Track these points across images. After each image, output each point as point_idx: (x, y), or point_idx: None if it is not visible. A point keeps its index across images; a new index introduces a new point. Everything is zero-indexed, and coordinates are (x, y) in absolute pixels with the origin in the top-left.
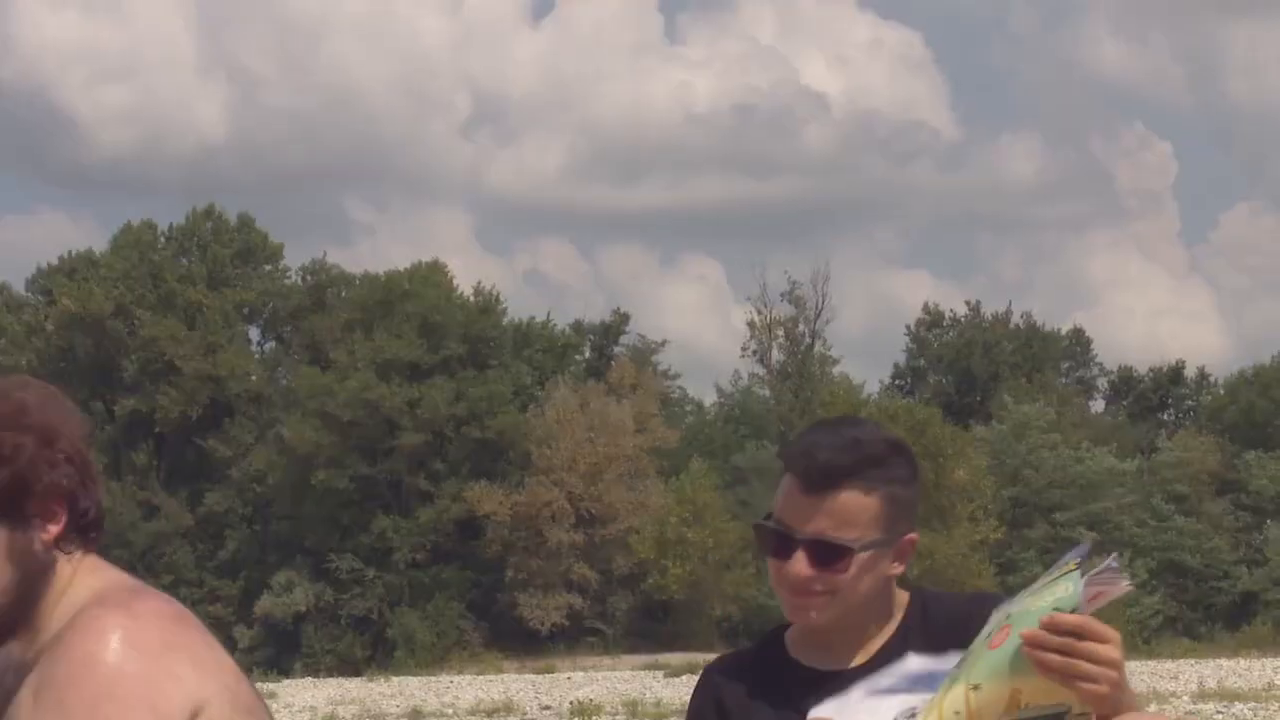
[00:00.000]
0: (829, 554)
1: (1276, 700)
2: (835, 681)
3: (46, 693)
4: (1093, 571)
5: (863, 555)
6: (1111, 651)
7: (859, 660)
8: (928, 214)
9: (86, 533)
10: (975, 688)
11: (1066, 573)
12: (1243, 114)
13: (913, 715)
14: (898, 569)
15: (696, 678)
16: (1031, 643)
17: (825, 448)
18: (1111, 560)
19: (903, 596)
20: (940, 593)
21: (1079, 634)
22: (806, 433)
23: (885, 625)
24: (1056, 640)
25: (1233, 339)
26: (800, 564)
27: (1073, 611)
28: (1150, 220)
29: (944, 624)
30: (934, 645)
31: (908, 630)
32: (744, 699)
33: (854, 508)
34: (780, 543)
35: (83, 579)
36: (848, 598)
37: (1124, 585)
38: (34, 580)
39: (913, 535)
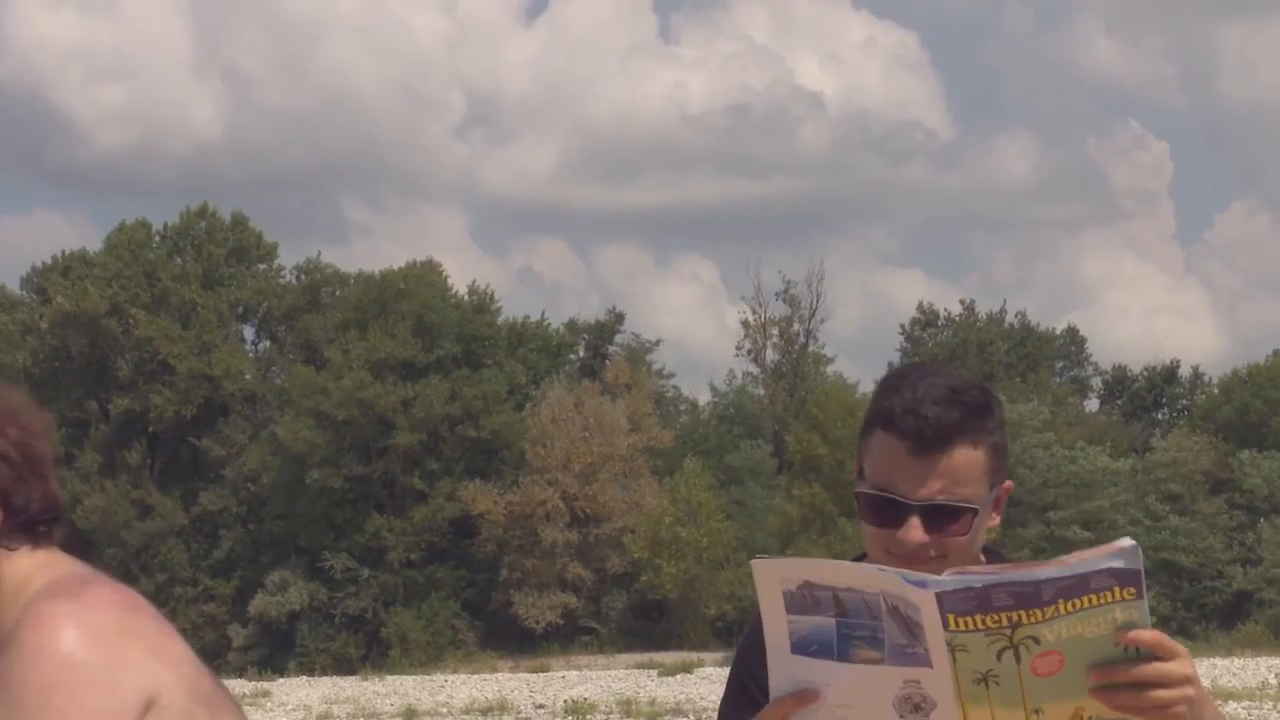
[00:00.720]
0: (947, 517)
1: (1270, 699)
2: None
3: (1, 690)
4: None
5: (983, 513)
6: (1183, 668)
7: None
8: (922, 213)
9: (32, 527)
10: (1037, 712)
11: (1124, 600)
12: (1237, 114)
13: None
14: (995, 520)
15: (690, 676)
16: (1104, 683)
17: (931, 403)
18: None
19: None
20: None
21: (1151, 655)
22: (899, 387)
23: None
24: (1129, 678)
25: (1227, 338)
26: (915, 530)
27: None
28: (1145, 220)
29: None
30: None
31: None
32: None
33: (967, 465)
34: (890, 510)
35: (36, 573)
36: (958, 559)
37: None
38: None
39: (1009, 483)
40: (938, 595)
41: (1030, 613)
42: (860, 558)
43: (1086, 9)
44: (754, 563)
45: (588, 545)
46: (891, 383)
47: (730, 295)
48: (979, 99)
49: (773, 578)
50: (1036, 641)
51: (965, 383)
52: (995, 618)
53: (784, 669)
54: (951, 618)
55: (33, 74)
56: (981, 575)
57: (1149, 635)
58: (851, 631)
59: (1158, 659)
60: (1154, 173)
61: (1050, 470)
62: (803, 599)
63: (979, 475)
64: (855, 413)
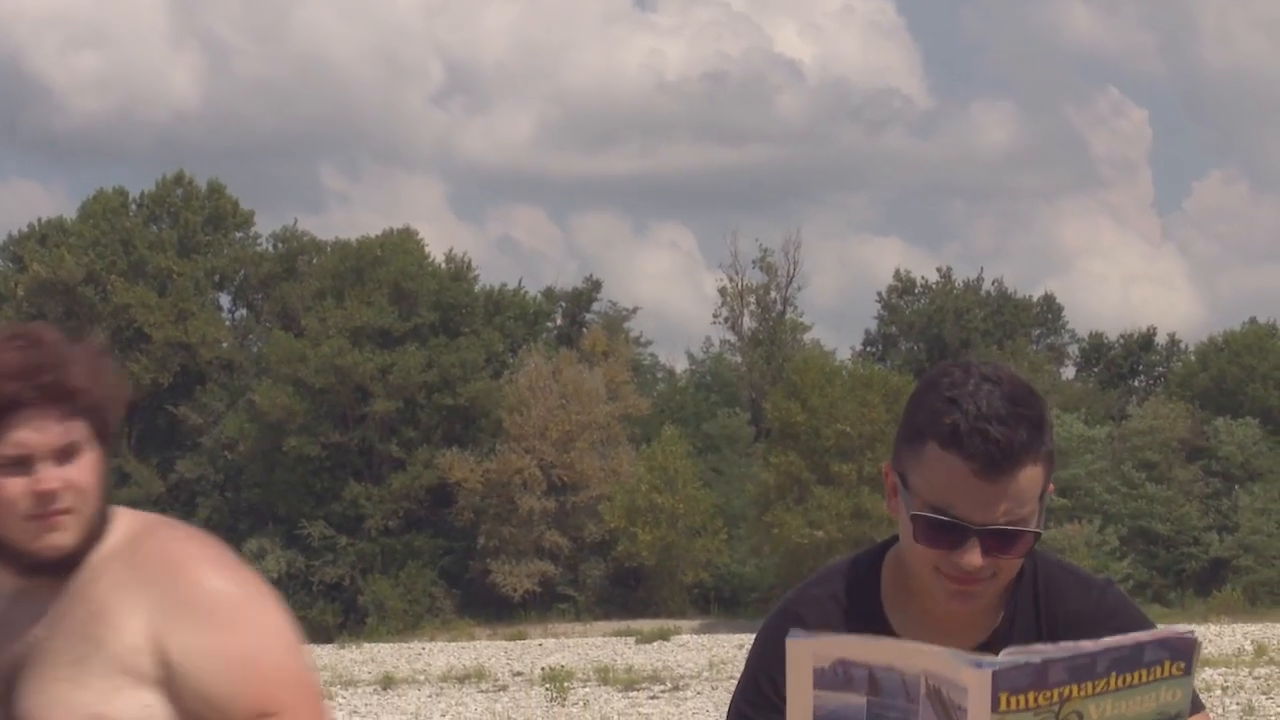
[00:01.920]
0: (1009, 541)
1: (1247, 666)
2: None
3: (188, 615)
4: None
5: (1035, 534)
6: None
7: (972, 642)
8: (900, 182)
9: None
10: None
11: (1172, 678)
12: (1216, 82)
13: None
14: (1039, 530)
15: (667, 644)
16: None
17: (998, 422)
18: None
19: None
20: (1056, 566)
21: None
22: (956, 399)
23: (992, 604)
24: None
25: (1204, 306)
26: (975, 554)
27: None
28: (1123, 188)
29: (1062, 619)
30: (1044, 634)
31: (1014, 618)
32: None
33: (1030, 484)
34: (949, 532)
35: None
36: (1007, 576)
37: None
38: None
39: (1050, 485)
40: (994, 674)
41: (1082, 685)
42: (882, 550)
43: None
44: (789, 641)
45: (565, 513)
46: (944, 391)
47: (707, 263)
48: (957, 67)
49: (805, 653)
50: (1080, 717)
51: (1021, 390)
52: (1048, 694)
53: None
54: (1004, 696)
55: (9, 41)
56: (1041, 652)
57: None
58: (882, 712)
59: None
60: (1133, 141)
61: None
62: (834, 675)
63: (1037, 492)
64: (832, 380)
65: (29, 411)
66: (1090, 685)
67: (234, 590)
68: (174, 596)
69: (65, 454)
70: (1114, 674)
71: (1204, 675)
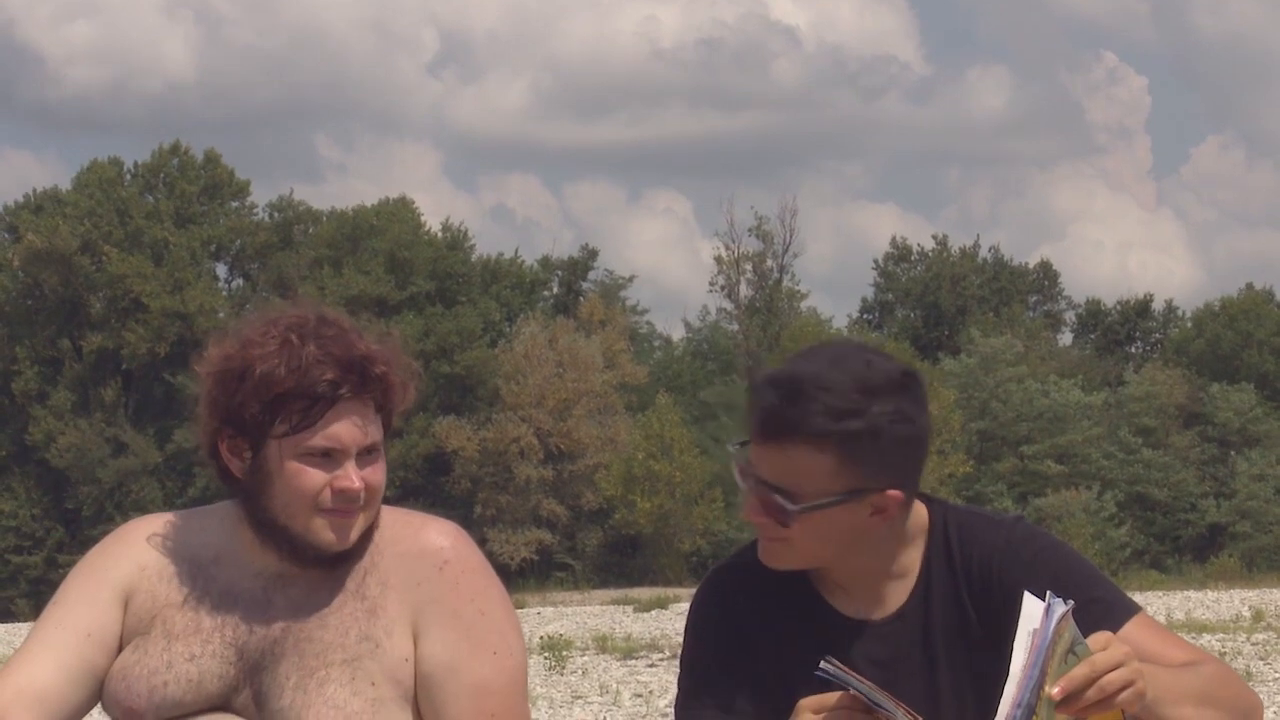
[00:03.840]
0: (771, 505)
1: (1244, 632)
2: (867, 633)
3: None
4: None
5: (811, 515)
6: (1124, 675)
7: (883, 611)
8: (896, 148)
9: None
10: None
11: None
12: (1210, 47)
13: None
14: (879, 523)
15: (665, 612)
16: (1066, 693)
17: (775, 394)
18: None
19: (921, 519)
20: (964, 513)
21: (1092, 681)
22: (779, 365)
23: (904, 568)
24: (1081, 680)
25: (1201, 272)
26: (750, 506)
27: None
28: (1121, 155)
29: (976, 560)
30: (962, 597)
31: (930, 577)
32: (774, 636)
33: (803, 464)
34: (741, 474)
35: None
36: (804, 552)
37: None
38: None
39: (894, 492)
40: None
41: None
42: None
43: None
44: (826, 677)
45: (562, 482)
46: (786, 360)
47: (703, 231)
48: (954, 33)
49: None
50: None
51: (841, 381)
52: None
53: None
54: None
55: (2, 11)
56: (1018, 714)
57: (1081, 676)
58: None
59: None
60: (1132, 108)
61: (1023, 404)
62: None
63: (818, 475)
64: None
65: (346, 405)
66: (1043, 694)
67: (494, 610)
68: (437, 606)
69: (369, 452)
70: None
71: (1202, 641)
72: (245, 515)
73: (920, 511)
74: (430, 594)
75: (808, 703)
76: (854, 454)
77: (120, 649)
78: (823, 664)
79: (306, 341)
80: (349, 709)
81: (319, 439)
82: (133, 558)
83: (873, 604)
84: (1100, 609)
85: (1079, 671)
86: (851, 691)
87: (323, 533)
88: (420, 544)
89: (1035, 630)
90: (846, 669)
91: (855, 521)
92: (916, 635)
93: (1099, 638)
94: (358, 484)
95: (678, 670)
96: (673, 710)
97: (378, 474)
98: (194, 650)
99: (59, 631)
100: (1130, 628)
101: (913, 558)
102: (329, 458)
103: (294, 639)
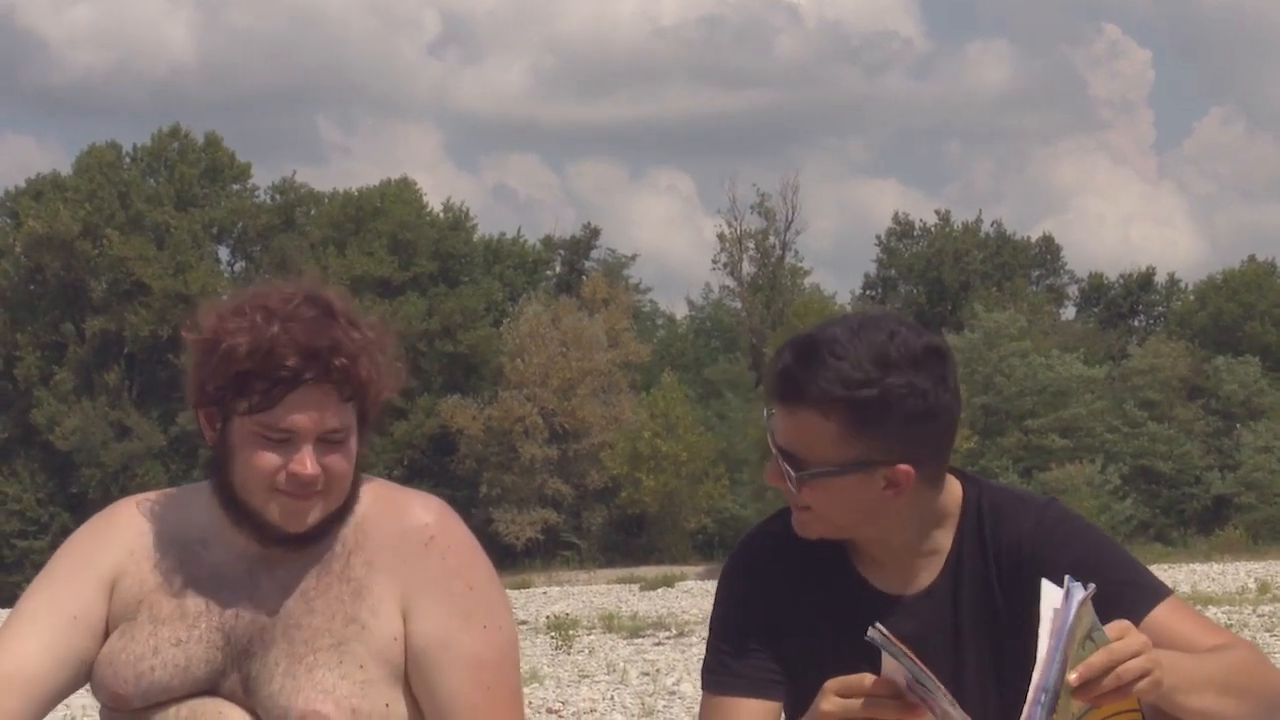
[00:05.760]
0: (784, 471)
1: (1250, 604)
2: (899, 609)
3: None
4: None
5: (818, 481)
6: (1142, 664)
7: (914, 588)
8: (898, 124)
9: None
10: None
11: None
12: (1212, 19)
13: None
14: (893, 497)
15: (671, 590)
16: (1084, 680)
17: (790, 356)
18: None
19: (955, 497)
20: (998, 492)
21: (1109, 669)
22: (802, 330)
23: (935, 543)
24: (1098, 667)
25: (1204, 244)
26: (772, 471)
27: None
28: (1123, 128)
29: (1007, 543)
30: (991, 577)
31: (961, 556)
32: (804, 605)
33: (811, 430)
34: (769, 441)
35: None
36: (827, 521)
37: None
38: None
39: (905, 466)
40: None
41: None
42: None
43: None
44: (884, 652)
45: (567, 461)
46: (810, 329)
47: (706, 208)
48: (955, 7)
49: (894, 662)
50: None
51: (858, 351)
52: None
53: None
54: None
55: None
56: (1043, 698)
57: (1099, 663)
58: None
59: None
60: (1134, 82)
61: (1027, 379)
62: (912, 684)
63: (827, 442)
64: None
65: (307, 390)
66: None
67: (482, 584)
68: (426, 582)
69: (330, 438)
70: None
71: (1208, 614)
72: (213, 488)
73: (954, 489)
74: (417, 571)
75: (833, 685)
76: (861, 424)
77: (107, 633)
78: (871, 630)
79: (273, 323)
80: (338, 693)
81: (276, 421)
82: (121, 542)
83: (904, 579)
84: (1132, 592)
85: (1097, 659)
86: (883, 673)
87: (276, 515)
88: (405, 522)
89: (1057, 611)
90: (896, 640)
91: (867, 494)
92: (945, 613)
93: (1117, 625)
94: (309, 470)
95: (707, 634)
96: (699, 674)
97: (341, 461)
98: (180, 635)
99: (46, 614)
100: (1161, 611)
101: (945, 536)
102: (288, 441)
103: (282, 624)
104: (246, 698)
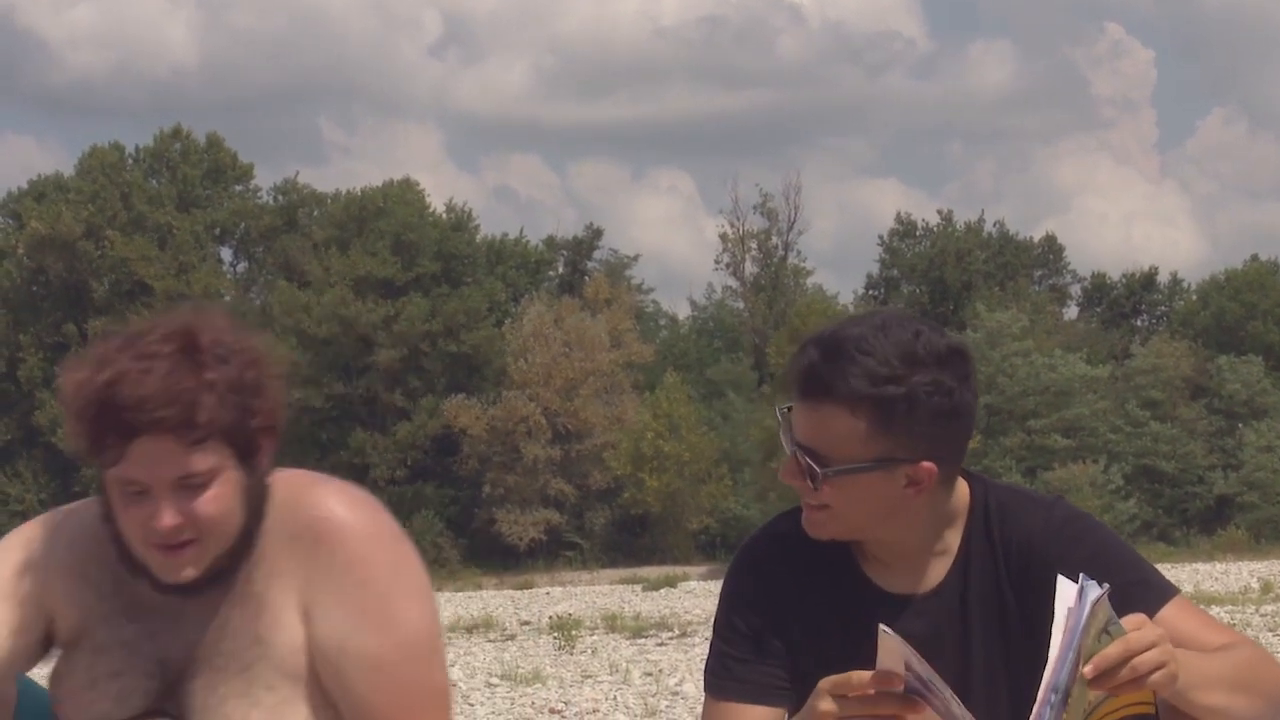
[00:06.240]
0: (806, 469)
1: (1253, 603)
2: (907, 610)
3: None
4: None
5: (842, 479)
6: (1157, 656)
7: (921, 588)
8: (900, 124)
9: None
10: None
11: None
12: (1214, 18)
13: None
14: (914, 495)
15: (674, 590)
16: (1098, 672)
17: (816, 353)
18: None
19: (963, 497)
20: (1006, 491)
21: (1125, 660)
22: (825, 326)
23: (944, 543)
24: (1113, 658)
25: (1206, 244)
26: (788, 469)
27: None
28: (1126, 128)
29: (1015, 542)
30: (1001, 576)
31: (969, 556)
32: (809, 606)
33: (836, 427)
34: (784, 438)
35: None
36: (843, 520)
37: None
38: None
39: (928, 464)
40: None
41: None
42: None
43: None
44: (884, 635)
45: (570, 461)
46: (834, 323)
47: (708, 208)
48: (957, 7)
49: (898, 651)
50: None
51: (886, 349)
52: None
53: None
54: None
55: None
56: (1053, 698)
57: (1114, 654)
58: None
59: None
60: (1137, 81)
61: (1030, 379)
62: (916, 680)
63: (853, 440)
64: None
65: (146, 442)
66: (1070, 691)
67: (379, 578)
68: (319, 583)
69: (187, 484)
70: (1080, 652)
71: (1211, 613)
72: (111, 541)
73: (962, 489)
74: (311, 572)
75: (827, 684)
76: (888, 421)
77: (43, 652)
78: (882, 627)
79: (105, 372)
80: None
81: (125, 475)
82: (56, 564)
83: (912, 580)
84: (1140, 591)
85: (1112, 650)
86: (879, 666)
87: (157, 568)
88: (300, 522)
89: (1070, 610)
90: (905, 641)
91: (890, 492)
92: (953, 614)
93: (1133, 619)
94: (164, 523)
95: (711, 635)
96: (701, 675)
97: (209, 504)
98: (117, 666)
99: None
100: (1169, 610)
101: (953, 535)
102: (144, 493)
103: (204, 652)
104: None
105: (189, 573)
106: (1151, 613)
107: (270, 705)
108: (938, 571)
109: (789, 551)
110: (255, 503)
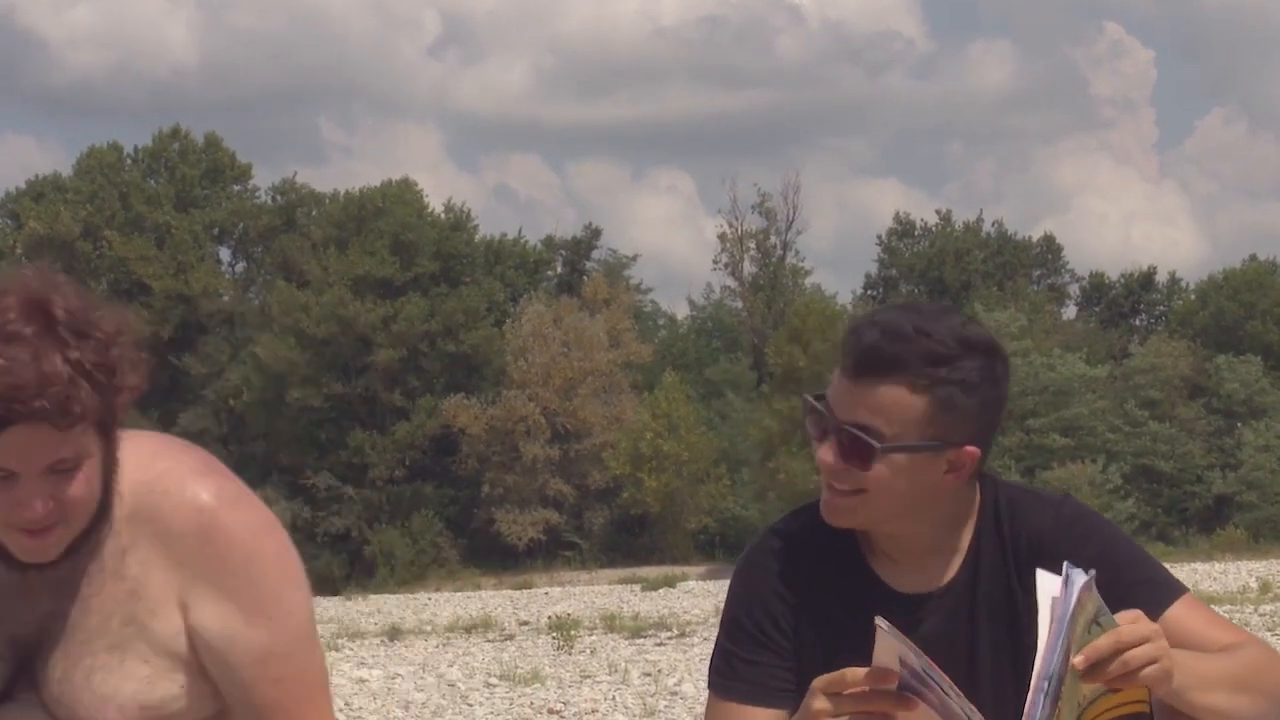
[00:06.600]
0: (856, 447)
1: (1251, 603)
2: (917, 608)
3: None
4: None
5: (896, 457)
6: (1150, 650)
7: (930, 586)
8: (899, 124)
9: None
10: None
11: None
12: (1213, 18)
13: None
14: (951, 481)
15: (673, 590)
16: (1090, 663)
17: (877, 331)
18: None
19: (974, 495)
20: (1016, 490)
21: (1116, 653)
22: (875, 310)
23: (955, 541)
24: (1106, 648)
25: (1205, 244)
26: (828, 451)
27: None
28: (1125, 128)
29: (1025, 539)
30: (1010, 575)
31: (979, 554)
32: (818, 605)
33: (893, 403)
34: (818, 424)
35: None
36: (879, 501)
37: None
38: None
39: (972, 448)
40: None
41: (1070, 669)
42: None
43: None
44: (880, 630)
45: (569, 461)
46: (881, 306)
47: (707, 208)
48: (957, 7)
49: (894, 647)
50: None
51: (944, 330)
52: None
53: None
54: None
55: None
56: (1036, 710)
57: (1106, 645)
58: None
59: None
60: (1137, 81)
61: (1028, 378)
62: (911, 676)
63: (909, 419)
64: (834, 324)
65: (17, 431)
66: (1069, 665)
67: (262, 569)
68: (200, 575)
69: (59, 469)
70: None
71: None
72: None
73: (973, 487)
74: (192, 564)
75: (820, 683)
76: (946, 403)
77: None
78: (878, 620)
79: None
80: (120, 697)
81: None
82: None
83: (921, 578)
84: (1147, 589)
85: (1102, 642)
86: (874, 661)
87: (19, 549)
88: (177, 510)
89: (1056, 600)
90: (902, 635)
91: (931, 476)
92: (962, 613)
93: (1128, 614)
94: (35, 512)
95: (717, 631)
96: (701, 675)
97: (77, 487)
98: None
99: None
100: (1177, 608)
101: (964, 533)
102: (11, 478)
103: (60, 626)
104: (38, 700)
105: (50, 553)
106: (1159, 611)
107: (144, 677)
108: (948, 570)
109: (798, 550)
110: (110, 475)
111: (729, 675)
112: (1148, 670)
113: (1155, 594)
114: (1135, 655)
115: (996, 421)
